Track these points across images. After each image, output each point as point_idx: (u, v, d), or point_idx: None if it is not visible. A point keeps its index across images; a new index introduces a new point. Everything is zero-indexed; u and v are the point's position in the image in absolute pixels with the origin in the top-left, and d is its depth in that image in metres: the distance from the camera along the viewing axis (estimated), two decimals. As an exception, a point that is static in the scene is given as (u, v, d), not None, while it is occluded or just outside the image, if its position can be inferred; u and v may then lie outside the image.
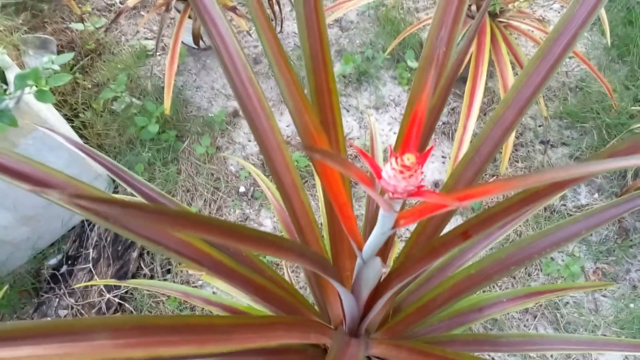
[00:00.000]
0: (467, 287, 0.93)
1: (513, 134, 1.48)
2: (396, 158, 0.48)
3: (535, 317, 1.70)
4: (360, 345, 0.74)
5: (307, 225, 0.95)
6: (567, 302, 1.72)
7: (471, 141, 1.39)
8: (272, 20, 2.39)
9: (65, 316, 1.67)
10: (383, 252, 0.77)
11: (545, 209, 1.89)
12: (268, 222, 1.84)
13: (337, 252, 0.87)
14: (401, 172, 0.48)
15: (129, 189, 0.93)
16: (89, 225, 1.77)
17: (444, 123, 2.11)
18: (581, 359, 1.60)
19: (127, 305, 1.66)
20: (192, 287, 1.71)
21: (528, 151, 2.03)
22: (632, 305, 1.70)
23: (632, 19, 2.42)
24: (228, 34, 0.79)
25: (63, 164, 1.63)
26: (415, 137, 0.49)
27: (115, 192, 1.89)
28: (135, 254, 1.71)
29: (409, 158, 0.47)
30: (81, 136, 1.98)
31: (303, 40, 0.61)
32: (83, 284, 1.60)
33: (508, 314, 1.68)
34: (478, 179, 0.86)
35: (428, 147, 0.47)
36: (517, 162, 2.00)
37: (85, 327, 0.48)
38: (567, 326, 1.67)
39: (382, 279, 0.81)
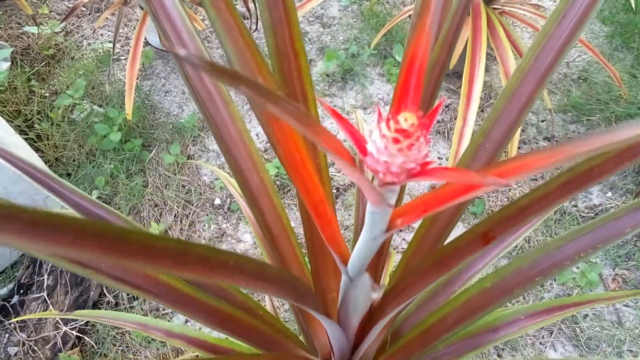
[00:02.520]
0: (482, 305, 0.77)
1: (519, 128, 1.32)
2: (388, 120, 0.32)
3: (551, 332, 1.54)
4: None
5: (281, 234, 0.79)
6: (587, 315, 1.56)
7: (472, 135, 1.25)
8: (247, 18, 2.25)
9: (15, 354, 1.49)
10: (376, 266, 0.61)
11: (554, 211, 1.75)
12: (248, 237, 1.67)
13: (319, 267, 0.71)
14: (396, 140, 0.32)
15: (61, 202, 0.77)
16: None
17: (438, 121, 1.97)
18: (607, 380, 1.44)
19: (86, 338, 1.48)
20: (162, 314, 1.54)
21: (532, 149, 1.89)
22: (658, 315, 1.54)
23: (634, 4, 2.30)
24: (185, 26, 0.63)
25: (8, 180, 1.46)
26: (416, 89, 0.33)
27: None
28: (95, 279, 1.53)
29: (408, 118, 0.31)
30: (36, 149, 1.81)
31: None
32: (35, 315, 1.42)
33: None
34: (490, 170, 0.70)
35: (436, 104, 0.32)
36: (521, 160, 1.86)
37: None
38: (589, 342, 1.51)
39: (375, 302, 0.65)
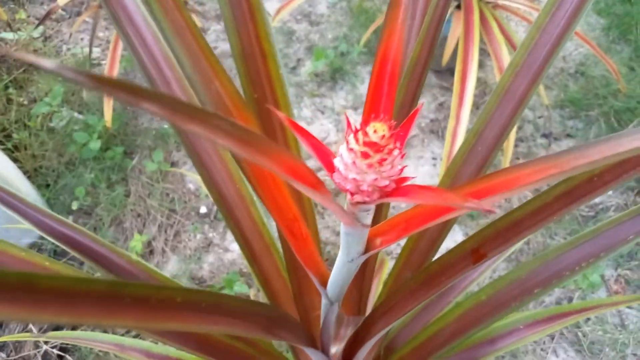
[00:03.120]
0: (477, 318, 0.74)
1: (514, 128, 1.29)
2: (356, 132, 0.28)
3: (552, 337, 1.50)
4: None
5: (263, 250, 0.75)
6: (589, 318, 1.53)
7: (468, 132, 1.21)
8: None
9: (-6, 375, 1.44)
10: (359, 286, 0.57)
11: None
12: (235, 246, 1.63)
13: (300, 285, 0.67)
14: (365, 155, 0.28)
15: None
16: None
17: (431, 120, 1.93)
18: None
19: (68, 357, 1.43)
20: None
21: (529, 146, 1.85)
22: (664, 316, 1.51)
23: (631, -5, 2.28)
24: (150, 29, 0.59)
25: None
26: (389, 95, 0.30)
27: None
28: (76, 295, 1.48)
29: (377, 129, 0.27)
30: (14, 159, 1.76)
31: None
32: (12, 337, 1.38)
33: (523, 337, 1.49)
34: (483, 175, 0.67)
35: (414, 109, 0.28)
36: (518, 159, 1.82)
37: None
38: (592, 346, 1.47)
39: (360, 323, 0.61)
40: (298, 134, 0.28)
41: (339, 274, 0.42)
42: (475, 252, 0.42)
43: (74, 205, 1.65)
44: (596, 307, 1.01)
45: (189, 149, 0.64)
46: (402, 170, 0.29)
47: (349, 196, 0.29)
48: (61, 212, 1.67)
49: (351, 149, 0.28)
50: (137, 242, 1.55)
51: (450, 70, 2.05)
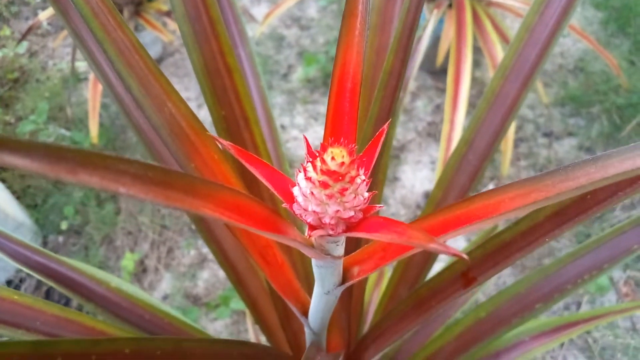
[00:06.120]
0: (477, 336, 0.71)
1: (514, 124, 1.27)
2: (314, 158, 0.26)
3: (562, 344, 1.47)
4: None
5: (248, 272, 0.72)
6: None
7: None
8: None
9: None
10: (347, 309, 0.54)
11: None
12: (230, 261, 1.60)
13: (286, 308, 0.64)
14: (324, 184, 0.25)
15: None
16: (19, 282, 1.52)
17: (428, 123, 1.91)
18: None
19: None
20: None
21: (530, 146, 1.82)
22: (676, 318, 1.48)
23: (628, -13, 2.25)
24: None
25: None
26: (350, 115, 0.27)
27: (44, 242, 1.64)
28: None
29: (336, 156, 0.25)
30: (2, 180, 1.74)
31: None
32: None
33: (530, 346, 1.45)
34: (475, 185, 0.64)
35: (378, 132, 0.25)
36: (519, 160, 1.79)
37: None
38: (603, 352, 1.44)
39: (351, 349, 0.58)
40: (246, 162, 0.25)
41: (317, 306, 0.39)
42: (464, 275, 0.39)
43: (64, 225, 1.63)
44: (605, 314, 0.98)
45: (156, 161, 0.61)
46: (369, 198, 0.26)
47: (307, 231, 0.26)
48: (51, 232, 1.64)
49: (309, 178, 0.25)
50: (128, 261, 1.53)
51: (445, 71, 2.03)
